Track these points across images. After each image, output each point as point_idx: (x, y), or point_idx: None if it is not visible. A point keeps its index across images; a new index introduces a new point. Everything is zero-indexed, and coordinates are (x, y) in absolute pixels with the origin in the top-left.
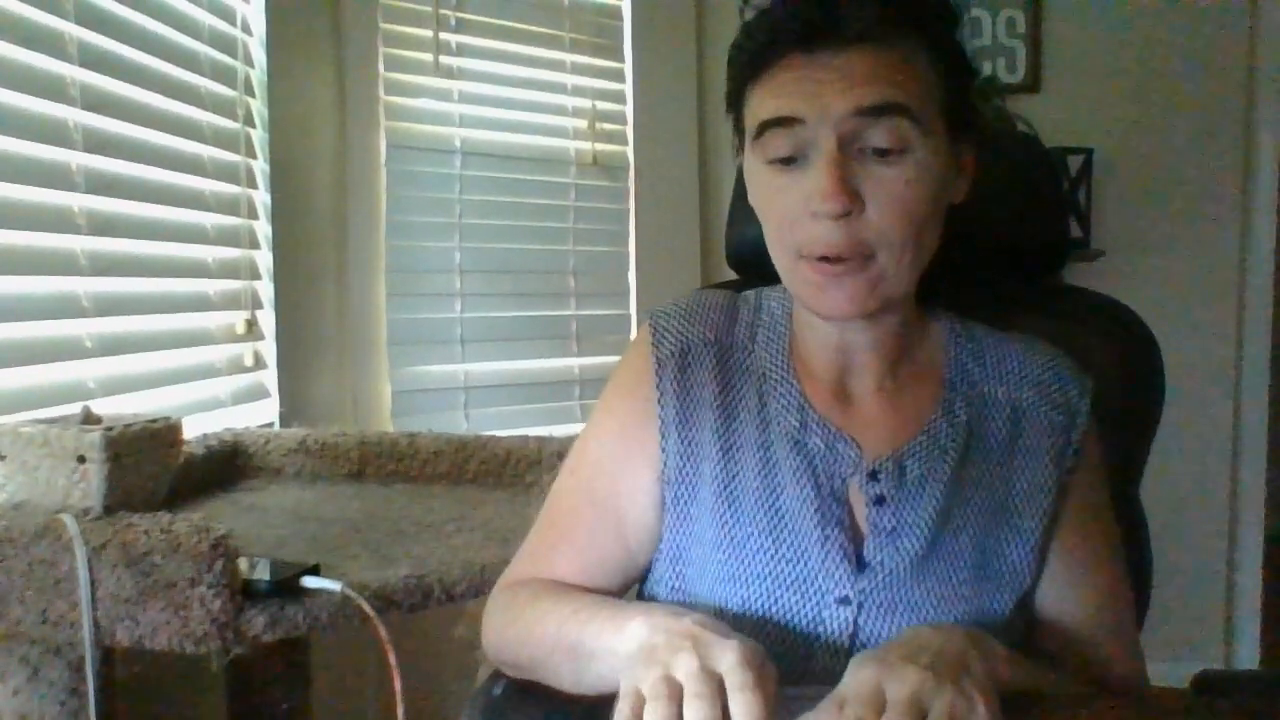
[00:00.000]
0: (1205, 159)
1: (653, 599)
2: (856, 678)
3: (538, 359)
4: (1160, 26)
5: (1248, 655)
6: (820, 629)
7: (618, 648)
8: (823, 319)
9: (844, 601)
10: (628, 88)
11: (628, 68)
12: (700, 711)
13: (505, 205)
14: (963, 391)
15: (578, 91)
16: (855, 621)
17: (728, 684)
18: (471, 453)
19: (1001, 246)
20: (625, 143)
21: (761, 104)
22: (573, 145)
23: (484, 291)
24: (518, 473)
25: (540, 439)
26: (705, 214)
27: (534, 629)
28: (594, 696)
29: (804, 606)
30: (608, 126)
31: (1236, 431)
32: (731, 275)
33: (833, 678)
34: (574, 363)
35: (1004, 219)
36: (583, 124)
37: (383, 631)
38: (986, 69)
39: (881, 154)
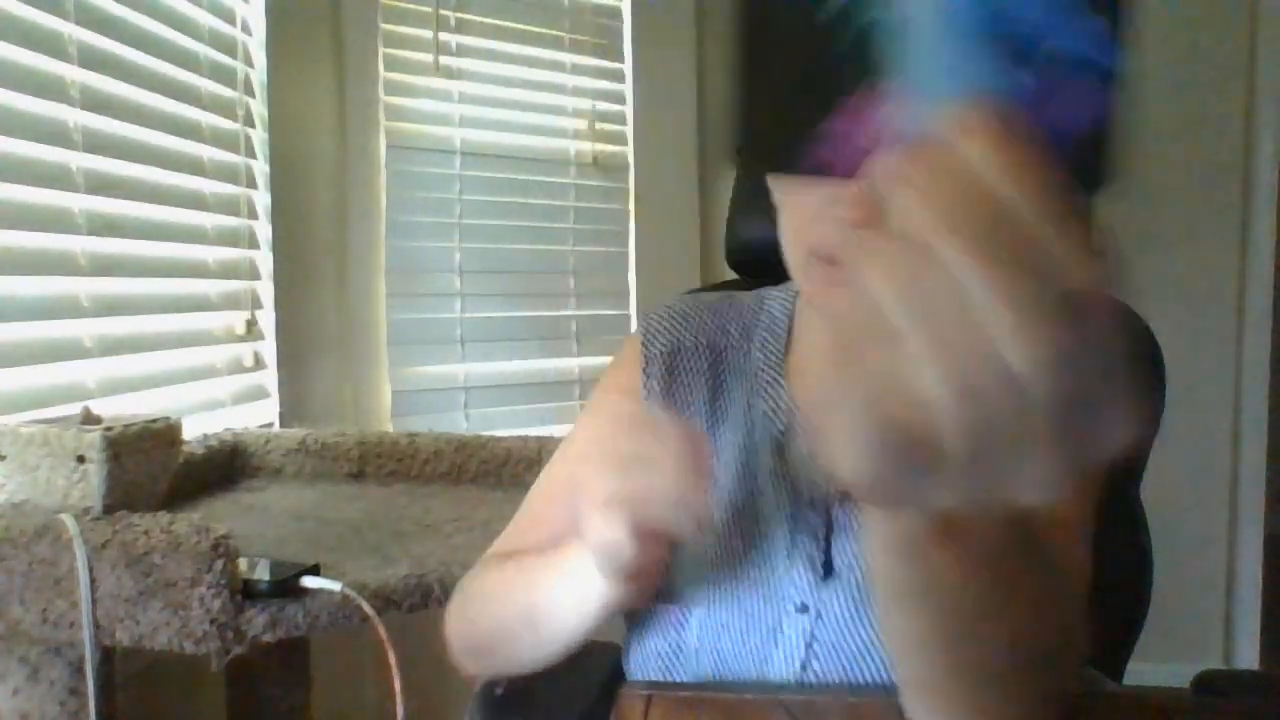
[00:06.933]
0: (1205, 159)
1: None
2: None
3: (538, 359)
4: (1160, 26)
5: (1248, 655)
6: (779, 635)
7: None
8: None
9: (802, 609)
10: (628, 88)
11: (628, 68)
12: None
13: (505, 205)
14: None
15: (577, 91)
16: (812, 630)
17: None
18: (471, 453)
19: None
20: (625, 143)
21: None
22: (573, 145)
23: (484, 291)
24: (517, 473)
25: (540, 439)
26: (705, 214)
27: (491, 597)
28: (594, 697)
29: (765, 611)
30: (608, 126)
31: (1237, 432)
32: (731, 275)
33: (787, 688)
34: (574, 363)
35: None
36: (582, 124)
37: (383, 631)
38: None
39: None
